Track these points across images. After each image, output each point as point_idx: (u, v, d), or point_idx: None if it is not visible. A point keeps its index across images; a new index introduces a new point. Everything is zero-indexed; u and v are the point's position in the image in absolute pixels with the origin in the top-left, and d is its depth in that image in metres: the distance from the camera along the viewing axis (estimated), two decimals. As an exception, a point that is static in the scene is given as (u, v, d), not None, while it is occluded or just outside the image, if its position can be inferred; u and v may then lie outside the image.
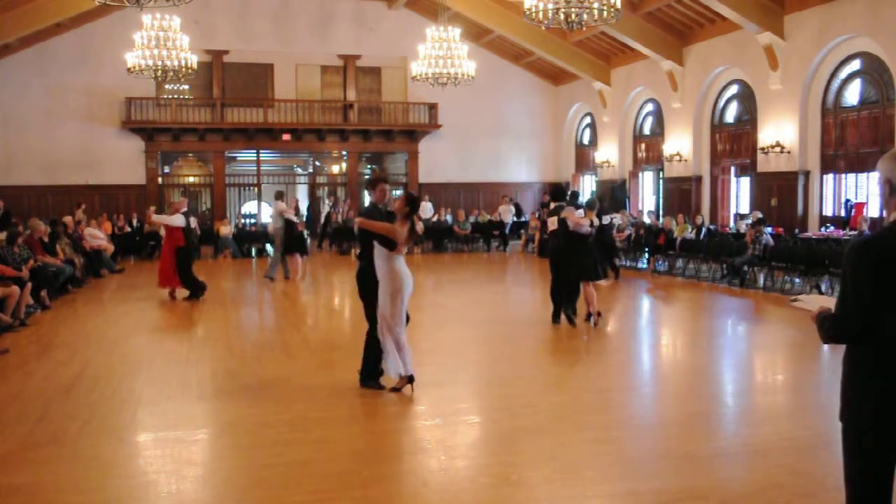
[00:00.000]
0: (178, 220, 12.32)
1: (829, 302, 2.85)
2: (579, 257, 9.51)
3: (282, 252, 14.81)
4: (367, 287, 6.45)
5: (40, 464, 4.82)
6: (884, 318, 2.61)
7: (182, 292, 12.35)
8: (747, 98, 18.57)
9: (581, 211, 9.93)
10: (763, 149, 17.22)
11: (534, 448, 5.13)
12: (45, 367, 7.55)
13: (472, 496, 4.36)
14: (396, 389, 6.39)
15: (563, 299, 9.70)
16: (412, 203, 6.39)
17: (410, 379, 6.39)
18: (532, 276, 15.94)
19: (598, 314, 9.63)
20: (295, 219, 15.08)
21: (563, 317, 9.72)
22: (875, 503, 2.73)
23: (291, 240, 14.82)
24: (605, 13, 12.27)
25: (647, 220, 19.16)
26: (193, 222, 13.29)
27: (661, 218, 19.54)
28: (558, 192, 10.66)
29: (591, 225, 9.64)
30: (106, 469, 4.81)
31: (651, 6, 18.72)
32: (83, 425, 5.60)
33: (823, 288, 12.06)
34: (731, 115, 19.50)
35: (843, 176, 16.30)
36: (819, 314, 2.82)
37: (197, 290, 12.32)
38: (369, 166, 29.02)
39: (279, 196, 15.18)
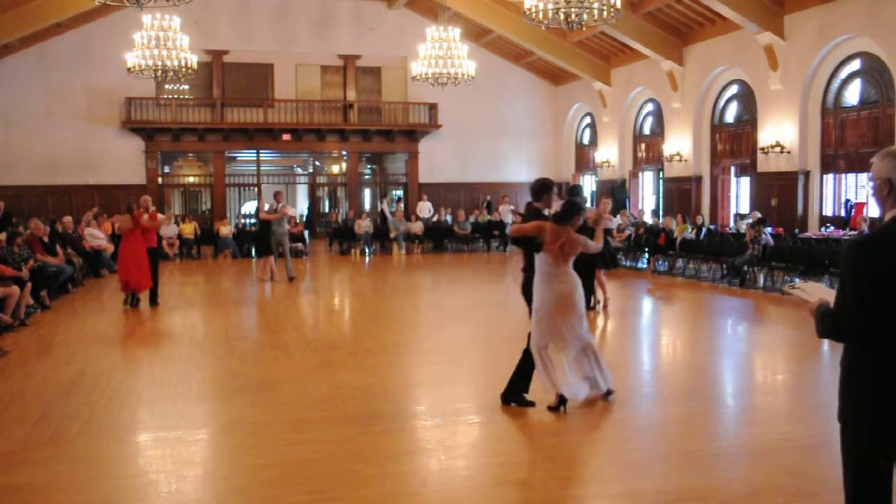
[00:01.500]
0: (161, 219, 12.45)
1: (829, 294, 2.83)
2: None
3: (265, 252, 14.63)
4: (530, 297, 6.04)
5: (40, 464, 4.81)
6: (882, 317, 2.60)
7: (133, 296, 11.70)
8: (747, 98, 18.57)
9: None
10: (763, 149, 17.22)
11: (534, 448, 5.13)
12: (45, 367, 7.54)
13: (472, 496, 4.35)
14: (552, 408, 5.76)
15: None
16: (574, 211, 5.82)
17: (563, 399, 5.77)
18: None
19: (606, 301, 10.60)
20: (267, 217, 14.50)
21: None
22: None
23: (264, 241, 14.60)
24: (605, 13, 12.28)
25: (648, 219, 19.15)
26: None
27: (661, 218, 19.55)
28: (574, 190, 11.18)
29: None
30: (106, 469, 4.81)
31: (651, 6, 18.73)
32: (83, 425, 5.60)
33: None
34: (731, 115, 19.50)
35: (843, 176, 16.31)
36: (819, 307, 2.80)
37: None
38: (369, 166, 29.03)
39: (276, 196, 15.02)
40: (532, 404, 5.90)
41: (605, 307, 10.67)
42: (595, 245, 6.09)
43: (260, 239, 14.89)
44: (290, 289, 13.68)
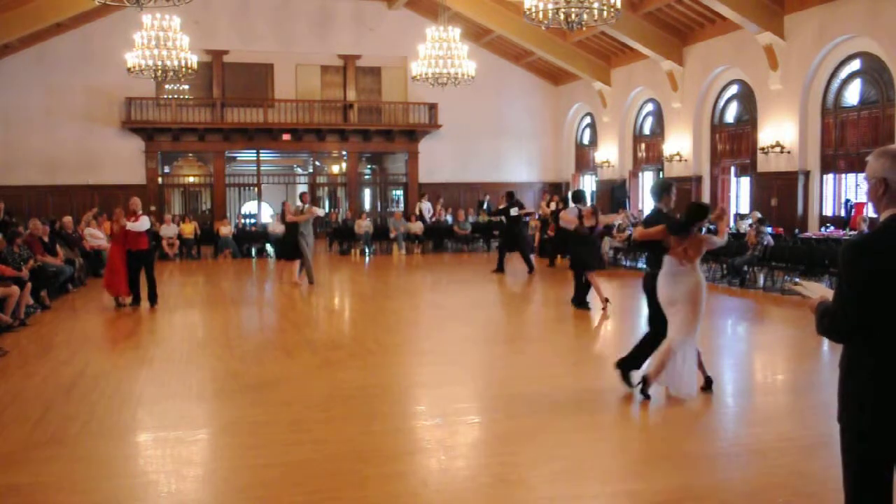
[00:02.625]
0: (146, 223, 11.55)
1: (830, 293, 2.81)
2: (578, 251, 11.01)
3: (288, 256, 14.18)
4: (655, 294, 6.25)
5: (40, 464, 4.81)
6: (881, 318, 2.60)
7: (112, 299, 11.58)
8: (747, 98, 18.57)
9: (574, 209, 11.20)
10: (763, 149, 17.22)
11: (534, 448, 5.13)
12: (45, 367, 7.54)
13: (472, 496, 4.35)
14: (645, 394, 6.13)
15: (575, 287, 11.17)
16: (696, 218, 6.05)
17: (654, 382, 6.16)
18: (532, 275, 15.94)
19: (607, 300, 10.76)
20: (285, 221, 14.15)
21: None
22: (875, 504, 2.73)
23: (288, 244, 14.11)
24: (605, 13, 12.27)
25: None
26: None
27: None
28: (578, 195, 11.79)
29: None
30: (106, 469, 4.81)
31: (651, 6, 18.73)
32: (83, 425, 5.60)
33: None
34: (731, 115, 19.50)
35: (843, 176, 16.30)
36: (819, 304, 2.79)
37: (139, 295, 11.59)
38: (369, 166, 29.03)
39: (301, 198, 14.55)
40: (632, 386, 6.31)
41: (604, 307, 10.75)
42: (721, 240, 6.28)
43: (288, 241, 14.02)
44: (291, 289, 13.68)
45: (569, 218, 11.05)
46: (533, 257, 16.53)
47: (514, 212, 16.00)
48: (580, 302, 11.05)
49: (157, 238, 19.57)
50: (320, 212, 16.71)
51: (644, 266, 6.65)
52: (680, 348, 6.03)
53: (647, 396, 6.15)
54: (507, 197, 16.36)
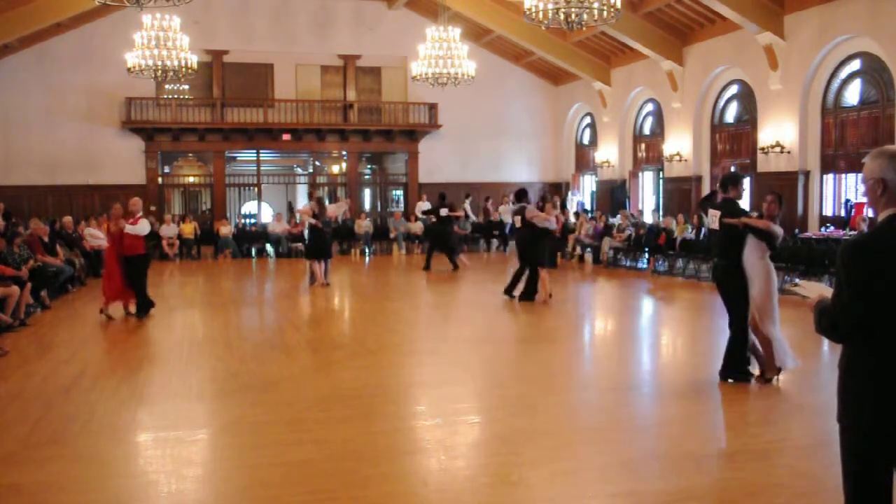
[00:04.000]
0: (146, 227, 10.71)
1: (829, 291, 2.81)
2: (536, 247, 11.77)
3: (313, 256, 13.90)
4: (735, 284, 6.65)
5: (40, 464, 4.81)
6: (880, 318, 2.59)
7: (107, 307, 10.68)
8: (747, 98, 18.56)
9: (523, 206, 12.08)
10: (763, 149, 17.22)
11: (534, 448, 5.13)
12: (45, 367, 7.54)
13: (472, 496, 4.35)
14: (767, 380, 6.70)
15: (526, 281, 11.90)
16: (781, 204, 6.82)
17: (779, 370, 6.70)
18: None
19: (550, 295, 11.72)
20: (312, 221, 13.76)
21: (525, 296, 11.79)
22: (874, 505, 2.73)
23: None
24: (605, 13, 12.27)
25: (650, 219, 19.14)
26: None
27: (661, 218, 19.54)
28: (521, 194, 12.68)
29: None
30: (106, 469, 4.81)
31: (651, 6, 18.72)
32: (83, 425, 5.60)
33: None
34: (731, 115, 19.50)
35: (843, 176, 16.30)
36: (818, 303, 2.79)
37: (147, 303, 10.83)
38: (369, 166, 29.02)
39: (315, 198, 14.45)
40: (751, 375, 6.74)
41: (544, 301, 11.61)
42: (778, 229, 6.78)
43: (321, 240, 13.74)
44: (291, 289, 13.68)
45: (538, 215, 11.75)
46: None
47: (443, 212, 16.85)
48: (528, 295, 11.77)
49: (157, 239, 19.59)
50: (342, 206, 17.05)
51: (716, 260, 7.00)
52: (772, 331, 6.60)
53: (769, 380, 6.71)
54: (440, 198, 17.29)
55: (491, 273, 16.24)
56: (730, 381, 6.70)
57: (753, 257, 6.58)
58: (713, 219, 6.91)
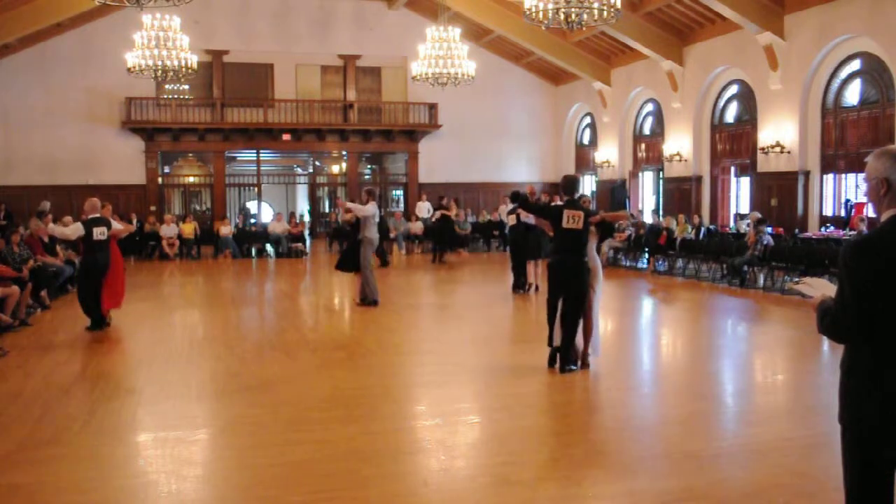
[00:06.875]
0: (72, 230, 9.92)
1: (832, 290, 2.79)
2: (528, 243, 12.58)
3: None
4: (580, 278, 7.07)
5: (40, 464, 4.81)
6: (882, 318, 2.59)
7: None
8: (747, 98, 18.57)
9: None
10: (763, 149, 17.22)
11: (534, 448, 5.13)
12: (45, 367, 7.54)
13: (472, 496, 4.35)
14: (586, 366, 7.17)
15: (516, 273, 13.01)
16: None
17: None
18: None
19: (535, 287, 12.60)
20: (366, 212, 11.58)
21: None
22: (875, 505, 2.72)
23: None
24: (605, 13, 12.27)
25: (650, 219, 19.13)
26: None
27: (661, 218, 19.54)
28: (516, 196, 12.67)
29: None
30: (106, 469, 4.81)
31: (651, 6, 18.72)
32: (83, 425, 5.60)
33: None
34: (731, 115, 19.50)
35: (843, 176, 16.30)
36: (821, 303, 2.78)
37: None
38: (369, 166, 29.02)
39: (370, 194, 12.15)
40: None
41: (528, 290, 12.73)
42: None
43: (355, 251, 11.74)
44: (290, 289, 13.67)
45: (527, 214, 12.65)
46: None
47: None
48: (519, 286, 12.85)
49: (157, 239, 19.58)
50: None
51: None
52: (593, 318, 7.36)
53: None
54: (438, 199, 18.16)
55: (491, 273, 16.23)
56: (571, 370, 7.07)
57: (593, 251, 7.31)
58: (577, 219, 7.06)
